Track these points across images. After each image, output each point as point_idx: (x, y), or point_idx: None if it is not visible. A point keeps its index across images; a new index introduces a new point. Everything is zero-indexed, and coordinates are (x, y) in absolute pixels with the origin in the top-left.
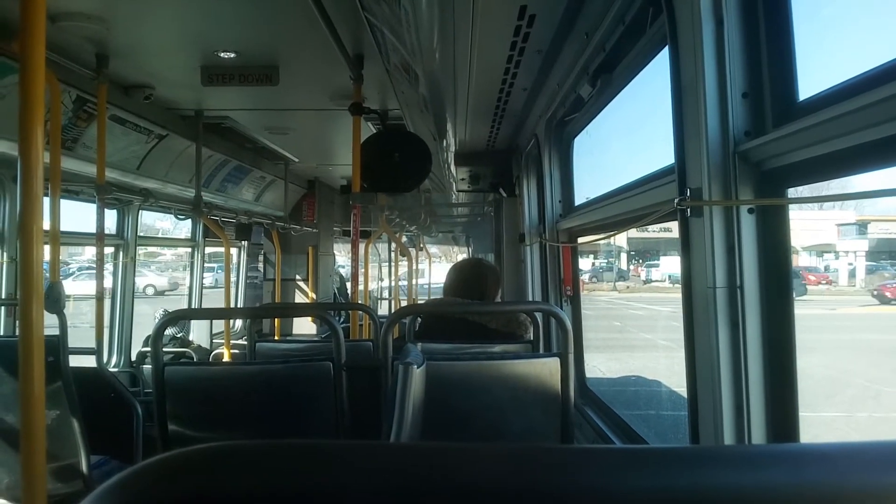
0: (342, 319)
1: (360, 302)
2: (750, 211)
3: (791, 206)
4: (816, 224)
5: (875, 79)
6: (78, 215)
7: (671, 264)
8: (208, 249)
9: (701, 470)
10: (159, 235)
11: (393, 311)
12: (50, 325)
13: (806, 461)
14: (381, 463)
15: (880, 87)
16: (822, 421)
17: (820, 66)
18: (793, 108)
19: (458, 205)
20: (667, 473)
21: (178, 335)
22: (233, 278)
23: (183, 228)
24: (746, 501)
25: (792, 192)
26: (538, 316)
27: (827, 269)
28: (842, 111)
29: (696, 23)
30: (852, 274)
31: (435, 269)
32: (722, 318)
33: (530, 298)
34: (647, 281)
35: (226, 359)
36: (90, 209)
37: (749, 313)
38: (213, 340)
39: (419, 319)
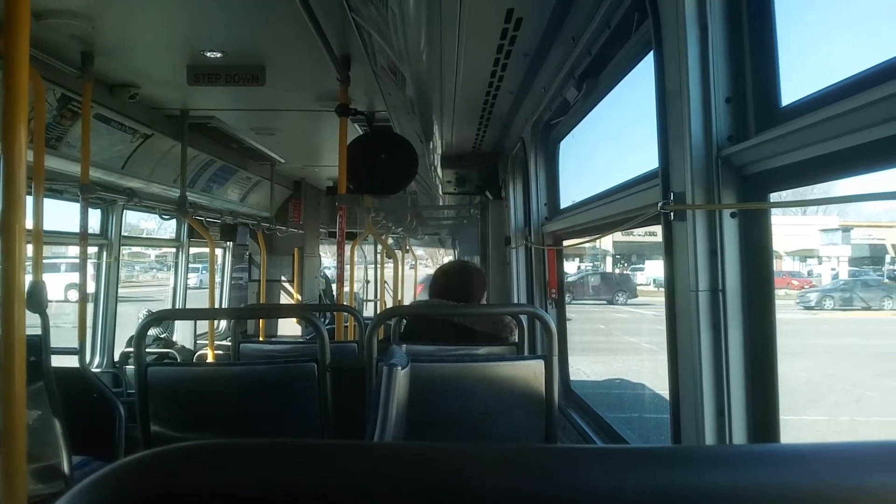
0: (327, 321)
1: (345, 303)
2: (732, 215)
3: (774, 211)
4: (799, 229)
5: (857, 84)
6: (62, 214)
7: (655, 268)
8: (193, 250)
9: (683, 469)
10: (143, 235)
11: (378, 312)
12: (32, 324)
13: (785, 461)
14: (366, 463)
15: (862, 92)
16: (804, 424)
17: (802, 72)
18: (775, 113)
19: (444, 207)
20: (650, 473)
21: (162, 336)
22: (217, 279)
23: (167, 228)
24: (728, 500)
25: (774, 197)
26: (523, 318)
27: (810, 273)
28: (824, 116)
29: (681, 28)
30: (835, 279)
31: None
32: (704, 322)
33: (515, 301)
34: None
35: (210, 359)
36: (74, 208)
37: (731, 316)
38: (198, 341)
39: (404, 321)
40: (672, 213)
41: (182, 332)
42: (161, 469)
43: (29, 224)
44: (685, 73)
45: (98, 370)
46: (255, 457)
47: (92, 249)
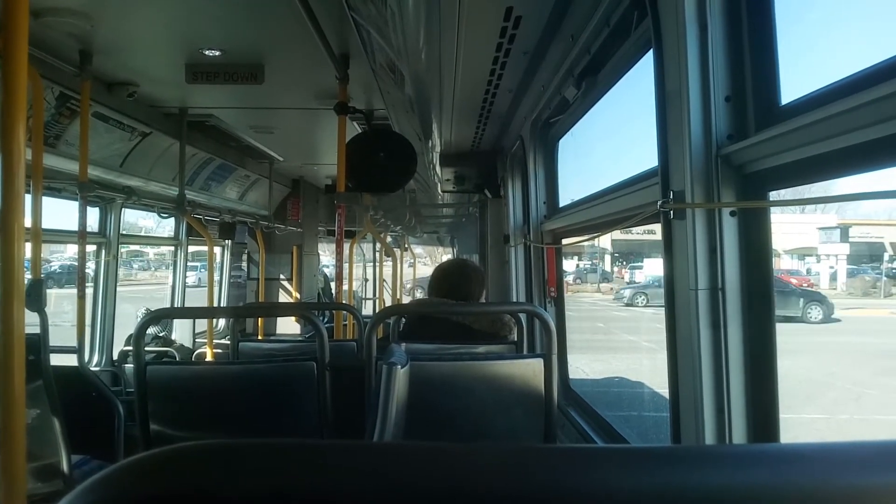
0: (326, 319)
1: (344, 302)
2: (732, 214)
3: (773, 209)
4: (798, 227)
5: (856, 83)
6: (60, 213)
7: (654, 266)
8: (191, 248)
9: (683, 469)
10: (142, 234)
11: (377, 311)
12: (30, 323)
13: (785, 461)
14: (366, 463)
15: (862, 91)
16: (803, 422)
17: (802, 71)
18: (775, 111)
19: (442, 205)
20: (650, 473)
21: (161, 334)
22: (216, 277)
23: (166, 227)
24: (727, 500)
25: (774, 195)
26: (522, 317)
27: (808, 272)
28: (823, 115)
29: (681, 26)
30: (833, 277)
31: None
32: (704, 320)
33: (514, 299)
34: (631, 283)
35: (208, 358)
36: (72, 206)
37: (730, 315)
38: (196, 340)
39: (403, 320)
40: (671, 212)
41: (181, 331)
42: (164, 469)
43: (27, 222)
44: (685, 71)
45: (97, 369)
46: (258, 457)
47: (90, 248)
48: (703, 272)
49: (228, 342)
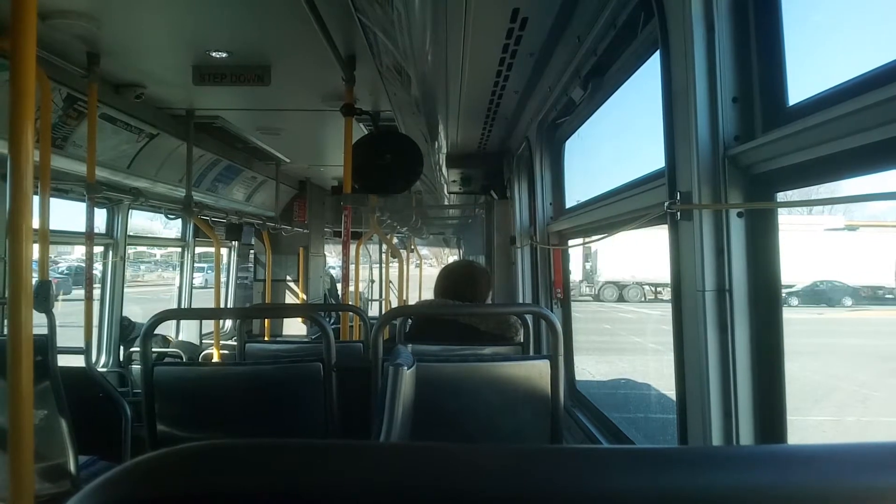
0: (332, 321)
1: (350, 303)
2: (739, 215)
3: (780, 210)
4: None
5: (864, 84)
6: (68, 214)
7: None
8: (198, 249)
9: (690, 470)
10: (148, 235)
11: (383, 312)
12: (38, 324)
13: (792, 462)
14: (373, 463)
15: (869, 92)
16: (811, 424)
17: (810, 72)
18: (782, 112)
19: (449, 206)
20: (656, 474)
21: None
22: (223, 279)
23: (173, 228)
24: (734, 501)
25: (781, 196)
26: (528, 318)
27: None
28: (831, 116)
29: (688, 27)
30: None
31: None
32: (711, 322)
33: (521, 301)
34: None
35: (215, 359)
36: (80, 208)
37: (738, 317)
38: (203, 341)
39: (409, 321)
40: (678, 213)
41: (187, 332)
42: (170, 470)
43: (35, 224)
44: (692, 72)
45: (104, 370)
46: (265, 457)
47: (98, 249)
48: (711, 274)
49: (235, 343)
